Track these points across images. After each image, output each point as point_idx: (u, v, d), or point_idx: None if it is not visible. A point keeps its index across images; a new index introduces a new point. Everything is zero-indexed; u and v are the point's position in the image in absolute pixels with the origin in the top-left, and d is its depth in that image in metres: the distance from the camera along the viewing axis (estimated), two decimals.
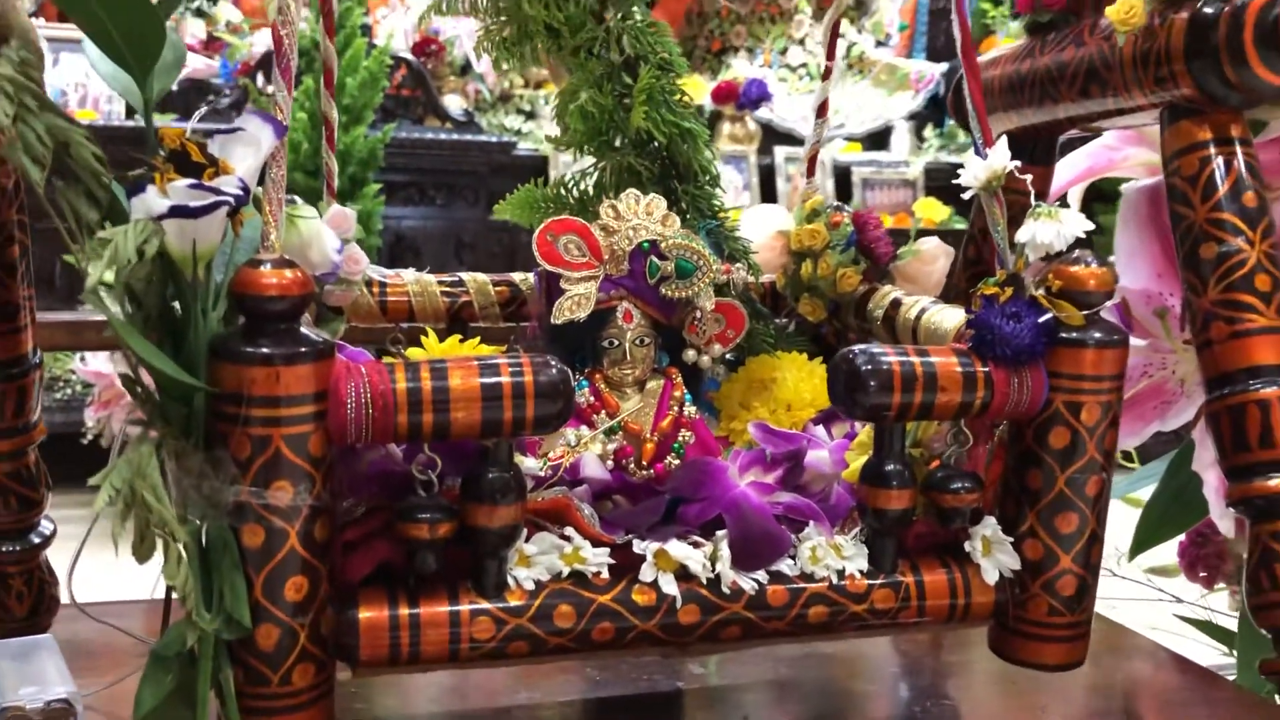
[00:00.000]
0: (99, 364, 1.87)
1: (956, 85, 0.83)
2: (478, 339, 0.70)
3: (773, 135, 3.31)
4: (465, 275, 0.78)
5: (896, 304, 0.73)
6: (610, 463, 0.61)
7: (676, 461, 0.62)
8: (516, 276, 0.77)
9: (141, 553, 0.44)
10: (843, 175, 3.28)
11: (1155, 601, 1.03)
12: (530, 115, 3.09)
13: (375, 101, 2.56)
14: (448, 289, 0.77)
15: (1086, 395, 0.57)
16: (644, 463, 0.62)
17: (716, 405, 0.73)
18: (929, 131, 3.48)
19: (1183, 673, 0.77)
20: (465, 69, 3.05)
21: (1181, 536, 0.88)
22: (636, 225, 0.63)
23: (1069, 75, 0.72)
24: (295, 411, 0.48)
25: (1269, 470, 0.58)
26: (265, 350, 0.47)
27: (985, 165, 0.61)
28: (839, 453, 0.61)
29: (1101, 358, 0.57)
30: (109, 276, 0.43)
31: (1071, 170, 0.86)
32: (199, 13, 3.21)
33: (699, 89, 3.28)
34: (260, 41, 2.82)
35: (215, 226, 0.48)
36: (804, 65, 3.56)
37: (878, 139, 3.48)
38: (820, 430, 0.68)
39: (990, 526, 0.59)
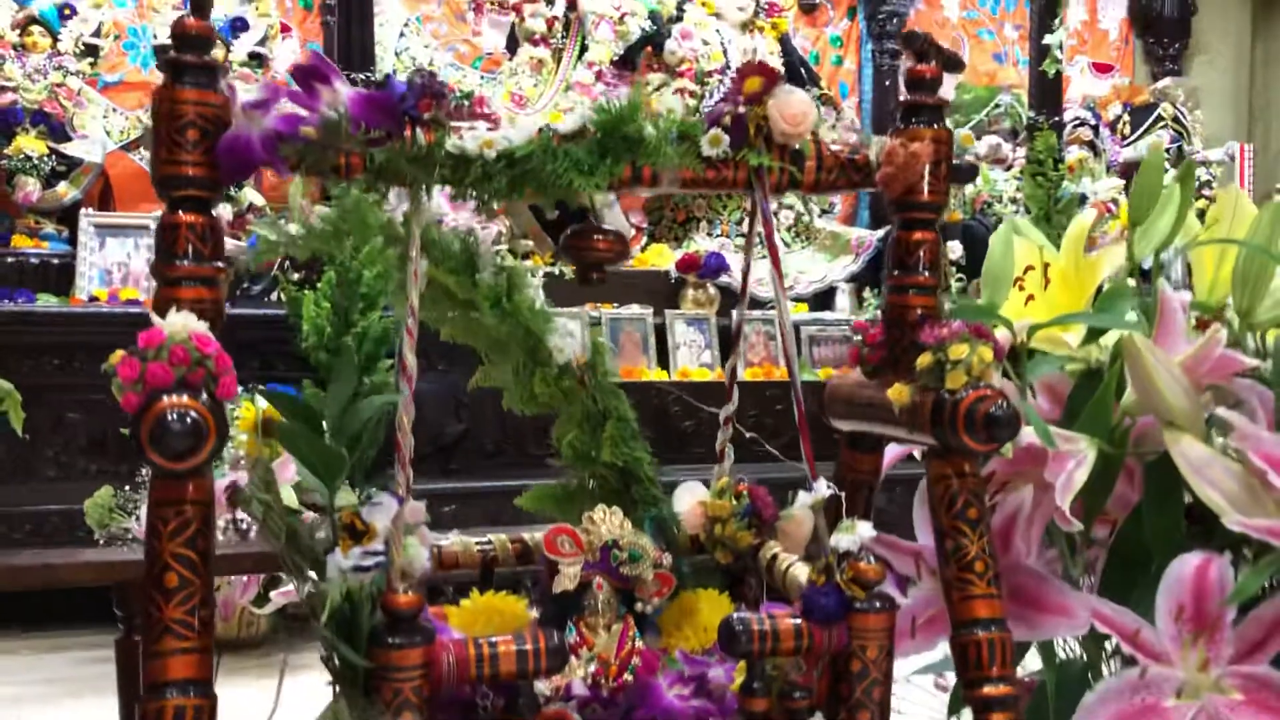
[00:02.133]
0: None
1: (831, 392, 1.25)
2: (506, 591, 1.09)
3: (731, 298, 3.77)
4: (492, 536, 1.18)
5: (775, 558, 1.13)
6: (589, 679, 0.99)
7: (630, 678, 1.01)
8: (526, 535, 1.17)
9: None
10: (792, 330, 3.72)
11: None
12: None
13: (389, 289, 2.98)
14: (481, 546, 1.17)
15: (870, 640, 0.97)
16: (610, 679, 1.00)
17: (659, 626, 1.12)
18: (868, 292, 3.96)
19: None
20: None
21: None
22: (605, 529, 1.03)
23: (879, 409, 1.13)
24: (414, 672, 0.86)
25: (983, 683, 0.97)
26: (400, 640, 0.86)
27: (812, 494, 1.01)
28: (729, 673, 1.00)
29: (879, 619, 0.97)
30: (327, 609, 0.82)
31: (894, 452, 1.27)
32: (227, 197, 3.66)
33: (666, 257, 3.74)
34: None
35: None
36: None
37: (823, 299, 3.94)
38: None
39: (818, 717, 0.98)
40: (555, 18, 3.85)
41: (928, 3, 4.83)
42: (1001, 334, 1.19)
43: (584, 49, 3.88)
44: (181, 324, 0.85)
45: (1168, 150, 4.62)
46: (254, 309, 3.06)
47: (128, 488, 2.70)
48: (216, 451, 0.84)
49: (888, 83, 4.60)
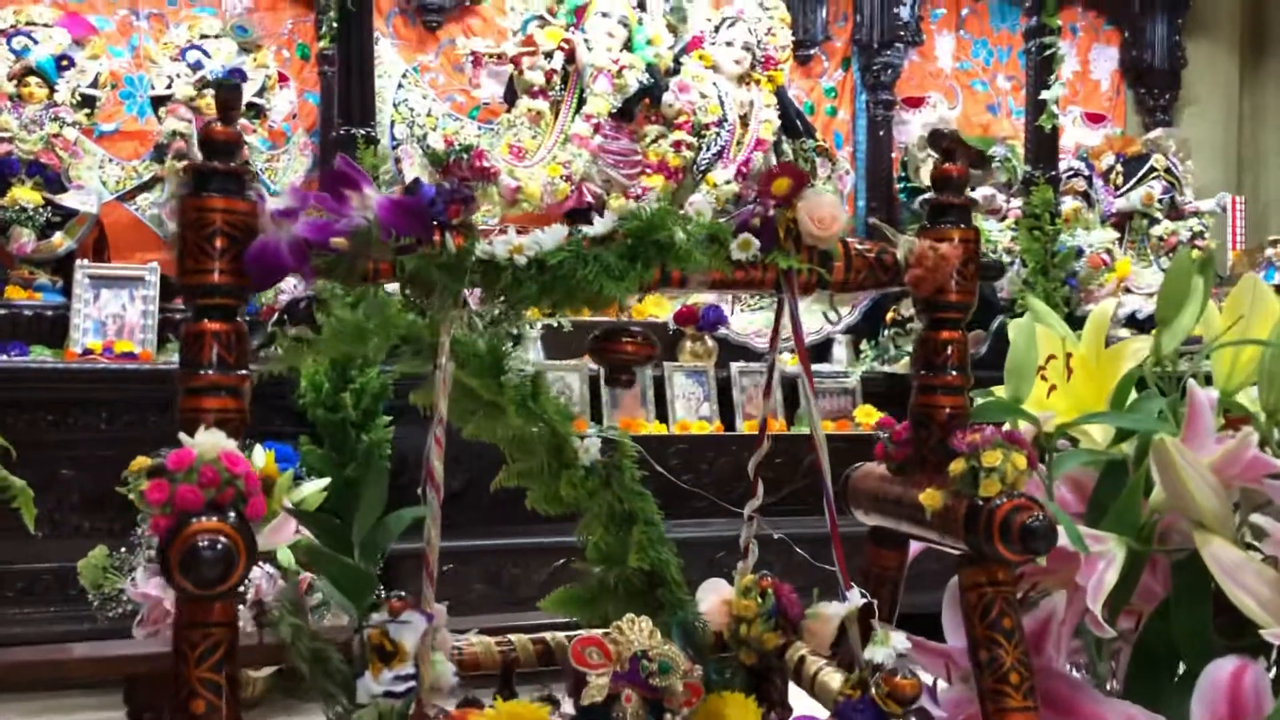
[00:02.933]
0: (147, 587, 2.29)
1: (844, 482, 1.24)
2: (528, 699, 1.07)
3: (729, 350, 3.76)
4: (513, 637, 1.16)
5: (803, 660, 1.11)
6: None
7: None
8: (548, 636, 1.15)
9: None
10: (790, 386, 3.72)
11: None
12: (517, 339, 3.52)
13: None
14: (502, 648, 1.14)
15: None
16: None
17: None
18: (865, 345, 3.95)
19: None
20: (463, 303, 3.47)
21: None
22: (634, 639, 1.01)
23: (907, 507, 1.12)
24: None
25: None
26: None
27: (846, 605, 1.00)
28: None
29: None
30: None
31: (915, 546, 1.26)
32: None
33: (664, 308, 3.73)
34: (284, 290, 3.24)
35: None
36: None
37: (820, 351, 3.94)
38: None
39: None
40: (553, 70, 3.87)
41: (921, 54, 4.87)
42: (1025, 428, 1.18)
43: (582, 101, 3.89)
44: (211, 443, 0.84)
45: (1160, 201, 4.65)
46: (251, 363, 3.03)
47: (123, 549, 2.66)
48: (246, 574, 0.82)
49: (881, 133, 4.62)
